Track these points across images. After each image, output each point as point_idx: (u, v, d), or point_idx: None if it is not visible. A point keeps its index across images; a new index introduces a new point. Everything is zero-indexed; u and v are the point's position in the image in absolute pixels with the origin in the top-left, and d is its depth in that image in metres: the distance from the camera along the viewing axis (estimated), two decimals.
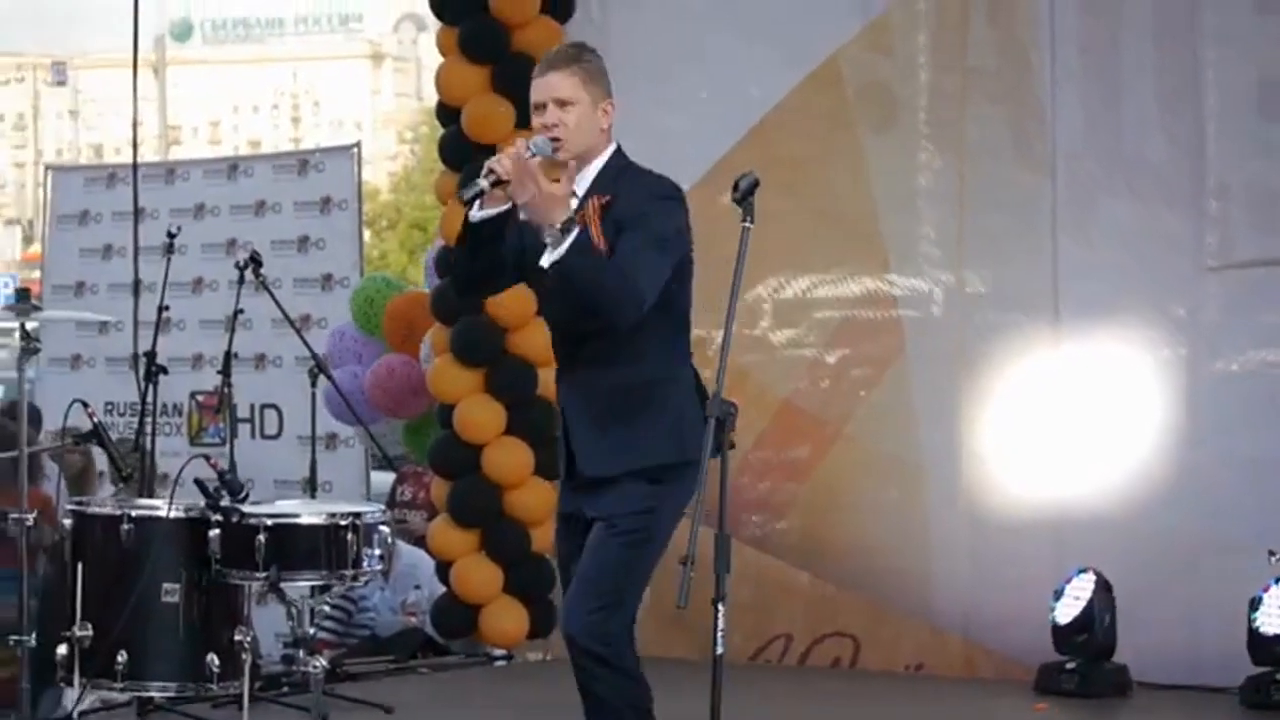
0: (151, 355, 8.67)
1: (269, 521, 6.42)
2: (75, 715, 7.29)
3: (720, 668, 4.91)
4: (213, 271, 11.32)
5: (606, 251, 5.21)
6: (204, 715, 7.56)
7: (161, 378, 8.66)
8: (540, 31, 9.26)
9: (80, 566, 6.57)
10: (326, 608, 7.25)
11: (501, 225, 5.28)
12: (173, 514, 6.55)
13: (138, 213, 9.86)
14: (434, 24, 9.77)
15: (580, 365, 5.42)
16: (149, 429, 8.75)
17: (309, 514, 6.57)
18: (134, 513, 6.57)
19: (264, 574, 6.40)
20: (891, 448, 9.09)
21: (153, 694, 6.88)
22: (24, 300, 6.92)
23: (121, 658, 6.44)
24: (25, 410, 6.88)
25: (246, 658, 6.54)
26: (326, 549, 6.47)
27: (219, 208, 11.62)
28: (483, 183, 5.17)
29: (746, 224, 5.05)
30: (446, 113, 9.48)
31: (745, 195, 5.06)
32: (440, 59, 9.54)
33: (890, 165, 9.14)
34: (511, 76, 8.92)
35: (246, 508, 6.47)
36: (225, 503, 6.47)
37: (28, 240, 71.64)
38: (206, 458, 6.74)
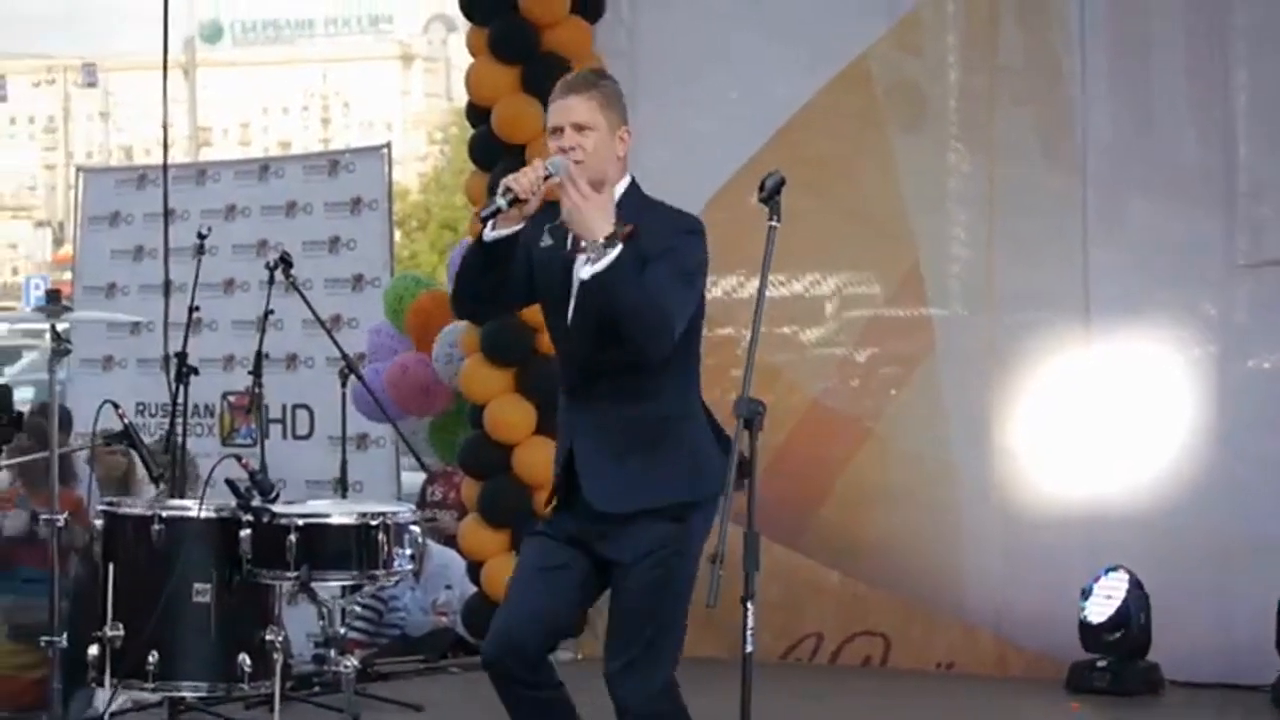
0: (182, 356, 8.66)
1: (300, 521, 6.44)
2: (106, 716, 7.29)
3: (750, 666, 4.90)
4: (244, 272, 11.34)
5: None
6: (235, 715, 7.58)
7: (193, 378, 8.64)
8: (570, 31, 9.26)
9: (111, 567, 6.60)
10: (357, 608, 7.24)
11: (512, 247, 5.19)
12: (204, 514, 6.58)
13: (168, 214, 9.86)
14: (464, 24, 9.76)
15: (595, 399, 5.28)
16: (180, 430, 8.76)
17: (340, 514, 6.59)
18: (165, 513, 6.59)
19: (295, 574, 6.42)
20: (922, 446, 9.07)
21: (184, 694, 6.87)
22: (55, 302, 6.95)
23: (153, 658, 6.46)
24: (56, 411, 6.91)
25: (278, 658, 6.57)
26: (357, 549, 6.49)
27: (250, 209, 11.63)
28: (500, 201, 5.06)
29: (773, 223, 5.03)
30: (476, 113, 9.46)
31: (772, 194, 5.04)
32: (470, 59, 9.52)
33: (920, 165, 9.12)
34: (541, 76, 8.89)
35: (277, 508, 6.49)
36: (256, 503, 6.49)
37: (59, 242, 71.89)
38: (238, 458, 6.74)
